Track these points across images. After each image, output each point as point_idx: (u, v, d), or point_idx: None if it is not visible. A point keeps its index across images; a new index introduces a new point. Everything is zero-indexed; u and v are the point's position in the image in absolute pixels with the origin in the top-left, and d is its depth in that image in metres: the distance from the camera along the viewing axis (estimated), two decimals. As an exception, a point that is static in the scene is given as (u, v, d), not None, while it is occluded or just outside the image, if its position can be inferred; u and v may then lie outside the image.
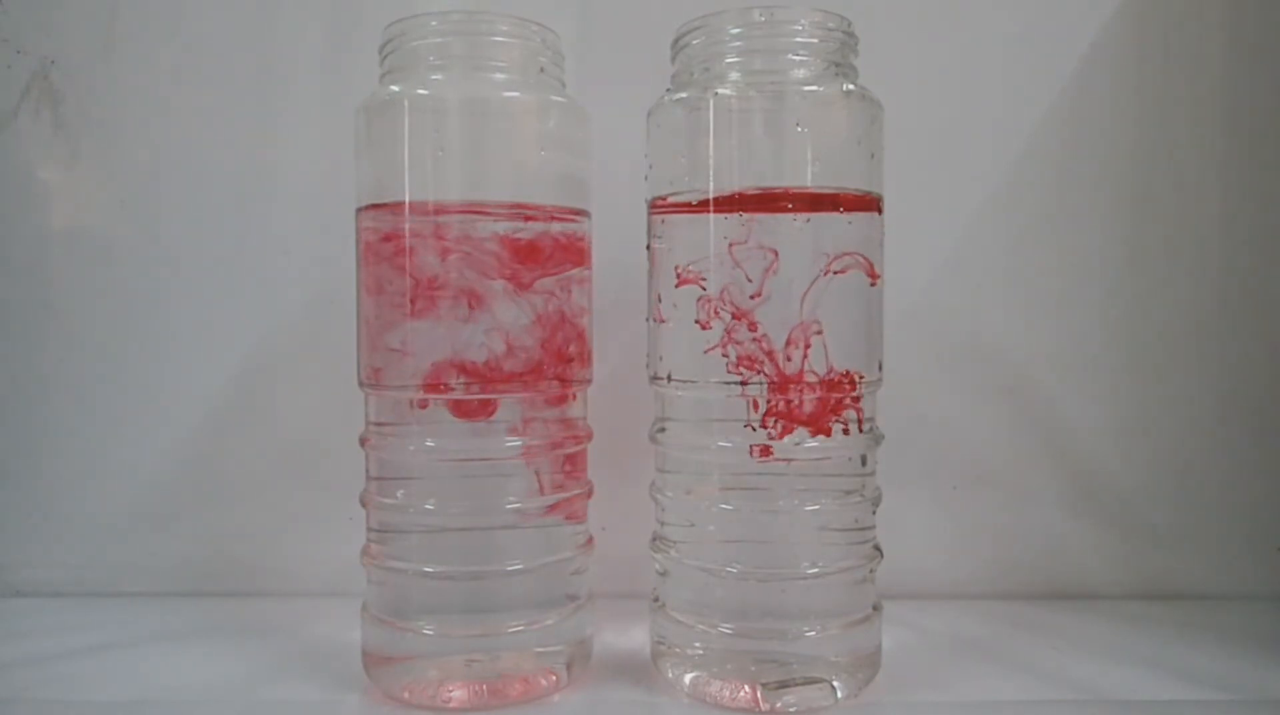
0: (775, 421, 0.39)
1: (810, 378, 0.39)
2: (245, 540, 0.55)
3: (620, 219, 0.47)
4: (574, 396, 0.43)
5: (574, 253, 0.42)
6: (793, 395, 0.39)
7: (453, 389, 0.39)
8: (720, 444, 0.40)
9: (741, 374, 0.39)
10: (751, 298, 0.39)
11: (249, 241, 0.55)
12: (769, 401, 0.39)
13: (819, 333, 0.39)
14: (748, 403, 0.39)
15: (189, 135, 0.55)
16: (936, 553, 0.55)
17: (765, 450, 0.39)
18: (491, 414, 0.40)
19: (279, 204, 0.55)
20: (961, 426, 0.55)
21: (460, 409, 0.40)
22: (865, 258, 0.40)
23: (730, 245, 0.39)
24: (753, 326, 0.39)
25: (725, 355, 0.39)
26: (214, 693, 0.42)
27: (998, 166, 0.55)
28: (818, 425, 0.39)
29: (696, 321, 0.40)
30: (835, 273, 0.39)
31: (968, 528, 0.55)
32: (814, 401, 0.39)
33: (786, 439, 0.39)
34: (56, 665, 0.45)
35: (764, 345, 0.39)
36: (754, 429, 0.39)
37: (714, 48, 0.40)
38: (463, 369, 0.39)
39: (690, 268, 0.40)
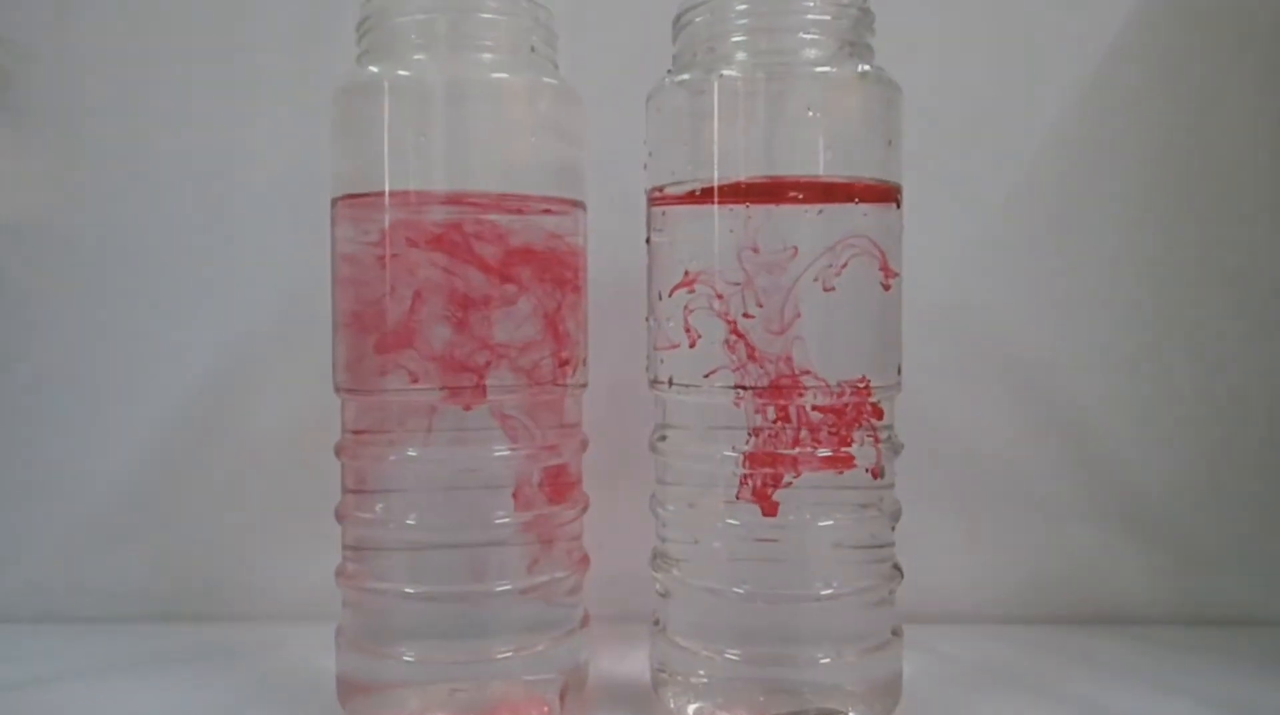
0: (783, 428, 0.40)
1: (815, 382, 0.39)
2: (209, 559, 0.55)
3: (617, 211, 0.47)
4: (568, 402, 0.43)
5: (567, 247, 0.42)
6: (803, 399, 0.39)
7: (437, 394, 0.40)
8: (725, 453, 0.40)
9: (748, 377, 0.39)
10: (759, 295, 0.39)
11: (215, 234, 0.55)
12: (777, 407, 0.39)
13: (831, 333, 0.39)
14: (754, 409, 0.40)
15: (151, 120, 0.55)
16: (961, 572, 0.56)
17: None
18: (478, 420, 0.41)
19: (248, 195, 0.55)
20: (987, 435, 0.55)
21: (446, 415, 0.40)
22: (881, 252, 0.40)
23: (736, 238, 0.39)
24: (760, 326, 0.39)
25: (732, 355, 0.40)
26: (176, 726, 0.42)
27: (1024, 154, 0.55)
28: (832, 434, 0.40)
29: (700, 321, 0.40)
30: (849, 268, 0.39)
31: (995, 545, 0.56)
32: (826, 407, 0.40)
33: (797, 449, 0.39)
34: (3, 698, 0.45)
35: (772, 347, 0.39)
36: (756, 437, 0.40)
37: (718, 26, 0.40)
38: (447, 372, 0.40)
39: (693, 262, 0.40)
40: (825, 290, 0.39)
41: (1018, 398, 0.56)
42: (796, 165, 0.39)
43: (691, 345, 0.40)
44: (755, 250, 0.39)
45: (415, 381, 0.40)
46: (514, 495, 0.41)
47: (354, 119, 0.41)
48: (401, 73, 0.40)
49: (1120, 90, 0.55)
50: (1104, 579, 0.56)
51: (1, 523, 0.56)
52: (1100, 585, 0.56)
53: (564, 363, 0.42)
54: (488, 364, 0.40)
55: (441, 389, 0.40)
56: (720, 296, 0.39)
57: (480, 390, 0.40)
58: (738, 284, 0.39)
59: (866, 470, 0.41)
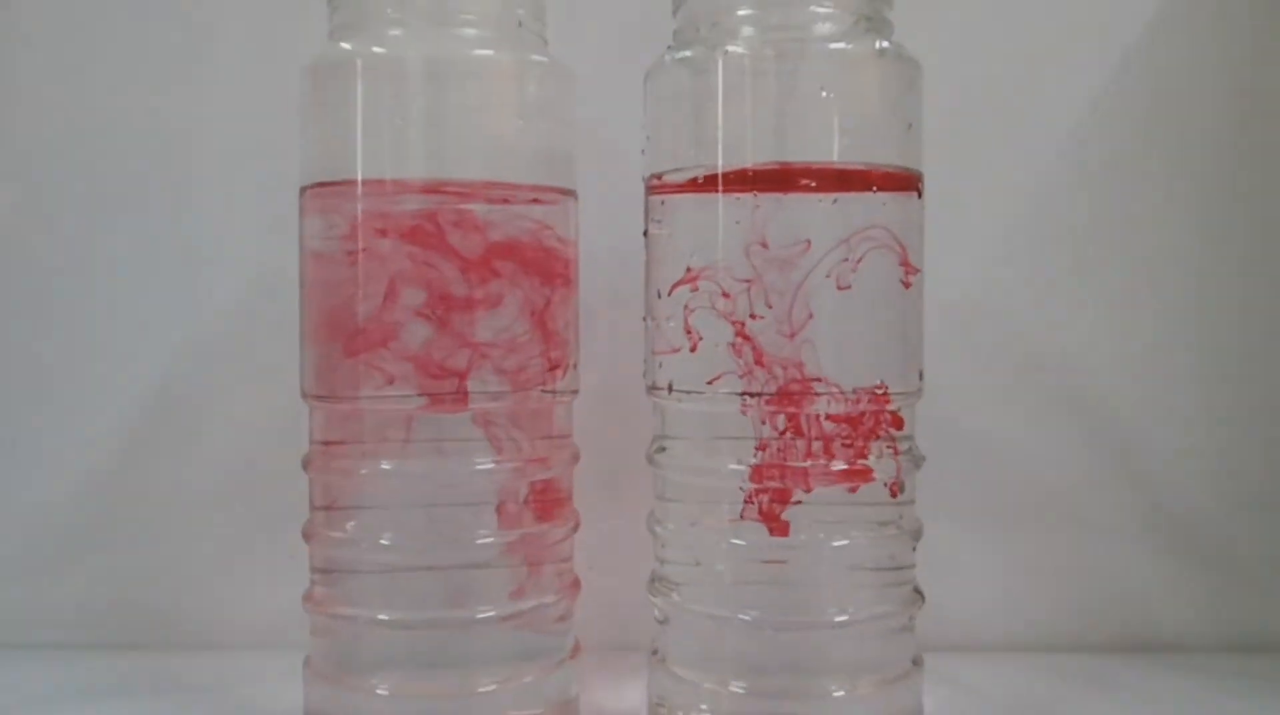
0: (793, 439, 0.40)
1: (829, 389, 0.39)
2: (163, 582, 0.55)
3: (612, 201, 0.47)
4: (557, 410, 0.43)
5: (557, 240, 0.42)
6: (815, 407, 0.39)
7: (415, 402, 0.40)
8: (730, 466, 0.40)
9: (755, 383, 0.39)
10: (768, 294, 0.39)
11: (169, 228, 0.55)
12: (787, 417, 0.39)
13: (846, 335, 0.39)
14: (762, 418, 0.40)
15: (97, 102, 0.55)
16: (989, 596, 0.56)
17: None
18: (459, 430, 0.41)
19: (206, 184, 0.55)
20: (1017, 447, 0.55)
21: (424, 424, 0.40)
22: (901, 246, 0.40)
23: (742, 230, 0.39)
24: (770, 327, 0.39)
25: (738, 360, 0.39)
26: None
27: (1059, 139, 0.55)
28: (847, 445, 0.40)
29: (702, 321, 0.40)
30: (866, 263, 0.39)
31: (1026, 567, 0.56)
32: (841, 416, 0.40)
33: (809, 462, 0.39)
34: (-62, 732, 0.45)
35: (782, 350, 0.39)
36: (765, 450, 0.40)
37: (723, -2, 0.40)
38: (425, 376, 0.40)
39: (695, 257, 0.40)
40: (840, 288, 0.39)
41: (1051, 406, 0.56)
42: (808, 150, 0.39)
43: (693, 349, 0.40)
44: (764, 245, 0.39)
45: (390, 385, 0.40)
46: (498, 513, 0.41)
47: (324, 100, 0.41)
48: (376, 50, 0.40)
49: (1167, 67, 0.55)
50: (1146, 603, 0.56)
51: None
52: (1142, 610, 0.56)
53: (553, 366, 0.42)
54: (469, 367, 0.40)
55: (419, 395, 0.40)
56: (727, 295, 0.39)
57: (461, 396, 0.40)
58: (745, 281, 0.39)
59: (885, 485, 0.41)
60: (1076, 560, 0.56)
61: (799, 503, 0.39)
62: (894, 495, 0.41)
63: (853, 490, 0.40)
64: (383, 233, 0.40)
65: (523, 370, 0.41)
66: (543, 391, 0.42)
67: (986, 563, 0.56)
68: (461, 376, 0.40)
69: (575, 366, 0.44)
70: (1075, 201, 0.56)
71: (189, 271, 0.55)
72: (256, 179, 0.54)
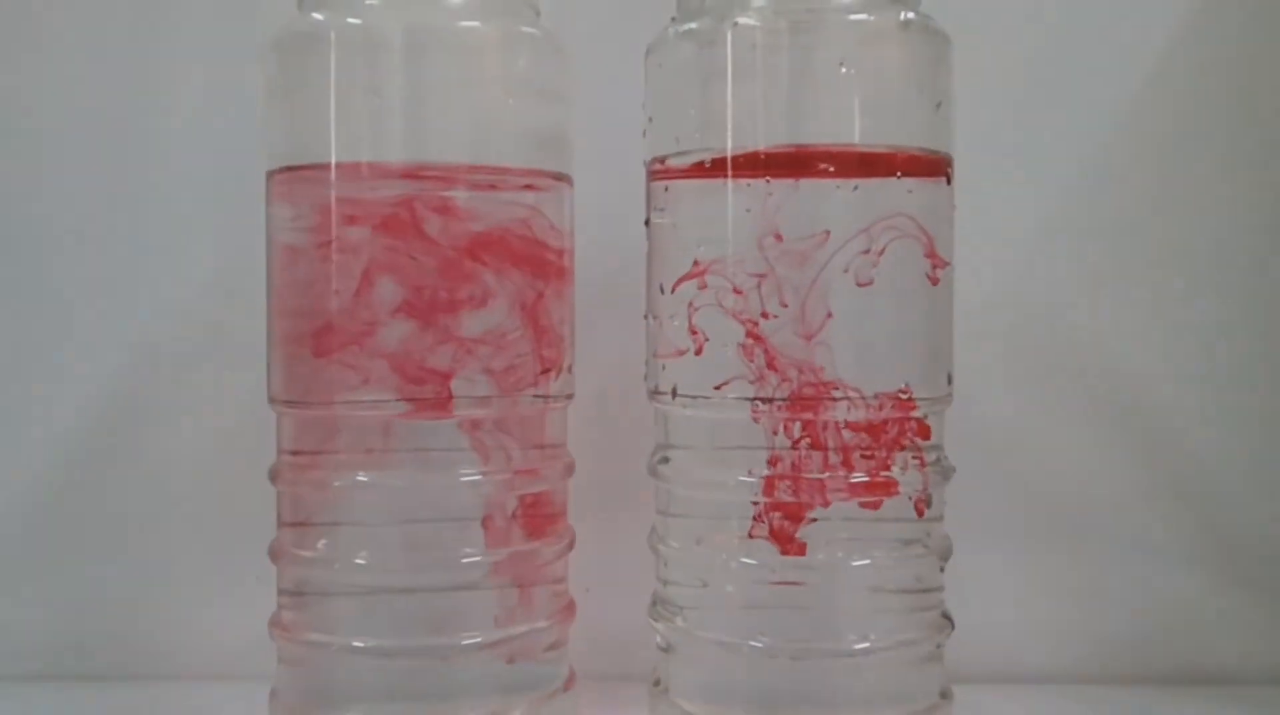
0: (809, 449, 0.39)
1: (848, 394, 0.39)
2: (117, 607, 0.55)
3: (610, 187, 0.47)
4: (550, 415, 0.43)
5: (551, 230, 0.42)
6: (833, 414, 0.39)
7: (393, 407, 0.40)
8: (740, 479, 0.40)
9: (767, 388, 0.39)
10: (782, 291, 0.39)
11: (122, 217, 0.55)
12: (803, 425, 0.39)
13: (867, 335, 0.39)
14: (775, 426, 0.40)
15: (42, 79, 0.55)
16: (1024, 622, 0.55)
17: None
18: (442, 437, 0.41)
19: (164, 169, 0.55)
20: (1057, 459, 0.55)
21: (403, 431, 0.40)
22: (928, 236, 0.40)
23: (754, 220, 0.39)
24: (785, 327, 0.39)
25: (749, 361, 0.39)
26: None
27: (1105, 119, 0.55)
28: (869, 456, 0.40)
29: (709, 320, 0.40)
30: (889, 255, 0.39)
31: (1066, 590, 0.55)
32: (862, 424, 0.39)
33: (827, 474, 0.39)
34: None
35: (798, 352, 0.39)
36: (776, 462, 0.40)
37: (732, -36, 0.40)
38: (405, 378, 0.40)
39: (702, 249, 0.40)
40: (859, 284, 0.39)
41: (1095, 414, 0.55)
42: (826, 132, 0.39)
43: (698, 351, 0.40)
44: (778, 236, 0.39)
45: (365, 389, 0.39)
46: (485, 529, 0.41)
47: (293, 77, 0.41)
48: (351, 20, 0.40)
49: (1226, 40, 0.55)
50: (1198, 631, 0.56)
51: None
52: (1193, 638, 0.56)
53: (546, 367, 0.42)
54: (454, 367, 0.40)
55: (398, 399, 0.40)
56: (738, 291, 0.39)
57: (445, 400, 0.40)
58: (757, 276, 0.39)
59: (910, 499, 0.40)
60: (1122, 584, 0.56)
61: (814, 521, 0.39)
62: (920, 511, 0.41)
63: (874, 506, 0.40)
64: (357, 221, 0.39)
65: (512, 371, 0.41)
66: (534, 396, 0.42)
67: (1022, 585, 0.56)
68: (445, 378, 0.40)
69: (570, 369, 0.44)
70: (1122, 188, 0.55)
71: (144, 265, 0.55)
72: (218, 163, 0.54)
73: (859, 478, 0.40)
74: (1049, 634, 0.56)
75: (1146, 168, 0.55)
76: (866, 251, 0.39)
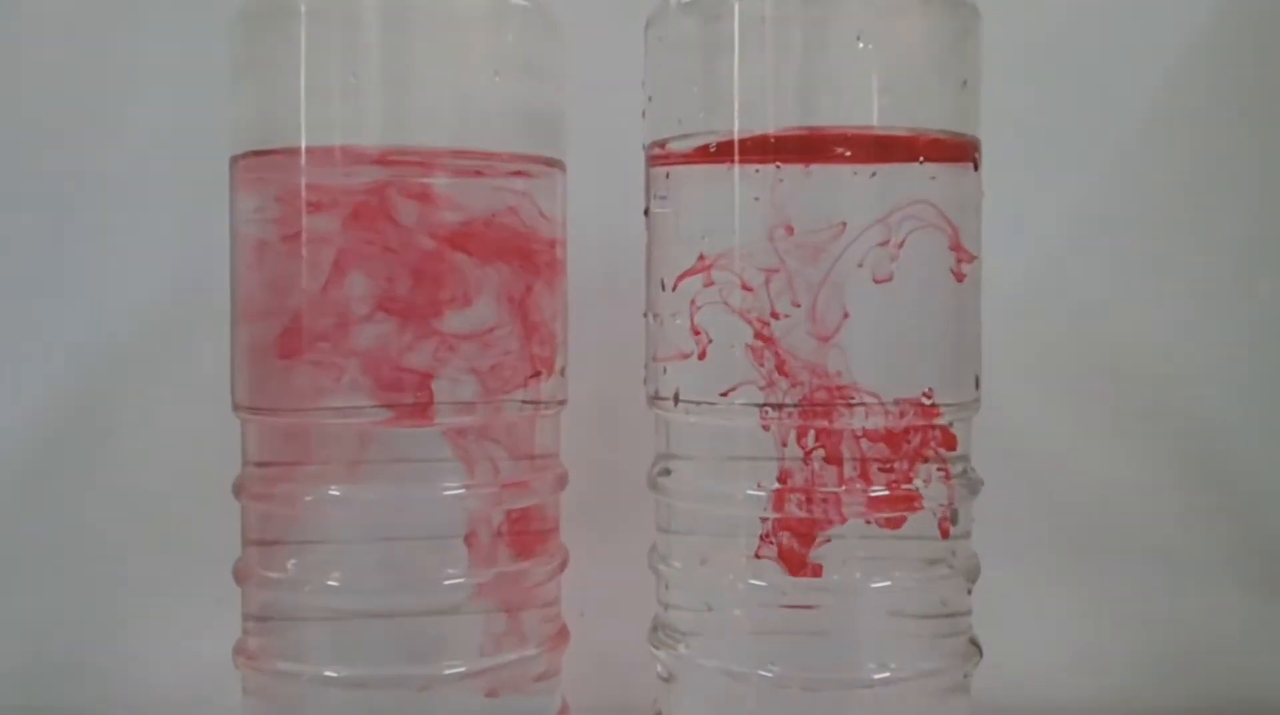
0: (824, 460, 0.39)
1: (866, 400, 0.39)
2: (69, 633, 0.55)
3: (608, 172, 0.47)
4: (541, 422, 0.43)
5: (542, 218, 0.42)
6: (850, 422, 0.39)
7: (369, 413, 0.40)
8: (749, 492, 0.40)
9: (778, 393, 0.39)
10: (794, 288, 0.39)
11: (79, 206, 0.55)
12: (817, 433, 0.39)
13: (886, 335, 0.39)
14: (786, 434, 0.40)
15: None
16: (1059, 649, 0.55)
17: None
18: (422, 447, 0.40)
19: (121, 153, 0.55)
20: (1093, 469, 0.55)
21: (380, 440, 0.40)
22: (953, 227, 0.40)
23: (763, 209, 0.39)
24: (798, 328, 0.39)
25: (759, 364, 0.39)
26: None
27: (1143, 101, 0.55)
28: (889, 468, 0.40)
29: (714, 319, 0.40)
30: (909, 247, 0.39)
31: (1103, 613, 0.56)
32: (881, 433, 0.39)
33: (843, 488, 0.39)
34: None
35: (811, 354, 0.39)
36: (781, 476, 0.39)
37: (739, -70, 0.40)
38: (381, 381, 0.39)
39: (708, 242, 0.40)
40: (877, 281, 0.39)
41: (1134, 420, 0.55)
42: (842, 113, 0.39)
43: (701, 355, 0.40)
44: (789, 229, 0.39)
45: (338, 394, 0.39)
46: (468, 547, 0.41)
47: (260, 53, 0.41)
48: (323, -10, 0.40)
49: (1269, 18, 0.55)
50: (1245, 656, 0.56)
51: None
52: (1240, 664, 0.56)
53: (537, 367, 0.42)
54: (435, 366, 0.40)
55: (374, 406, 0.40)
56: (748, 287, 0.39)
57: (425, 404, 0.40)
58: (768, 272, 0.39)
59: (934, 515, 0.40)
60: (1163, 605, 0.56)
61: (828, 541, 0.39)
62: (945, 528, 0.41)
63: (895, 523, 0.40)
64: (329, 210, 0.39)
65: (499, 368, 0.41)
66: (524, 401, 0.42)
67: (1055, 608, 0.56)
68: (425, 379, 0.40)
69: (563, 371, 0.44)
70: (1163, 176, 0.56)
71: (97, 260, 0.55)
72: (178, 147, 0.54)
73: (878, 491, 0.39)
74: (1085, 660, 0.56)
75: (1188, 154, 0.55)
76: (885, 243, 0.39)
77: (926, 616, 0.41)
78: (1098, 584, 0.56)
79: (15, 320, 0.55)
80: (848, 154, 0.39)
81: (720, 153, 0.40)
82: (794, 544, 0.39)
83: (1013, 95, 0.50)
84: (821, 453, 0.39)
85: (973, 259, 0.41)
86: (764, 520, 0.40)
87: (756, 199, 0.39)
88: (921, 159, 0.39)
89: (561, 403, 0.44)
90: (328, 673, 0.40)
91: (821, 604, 0.40)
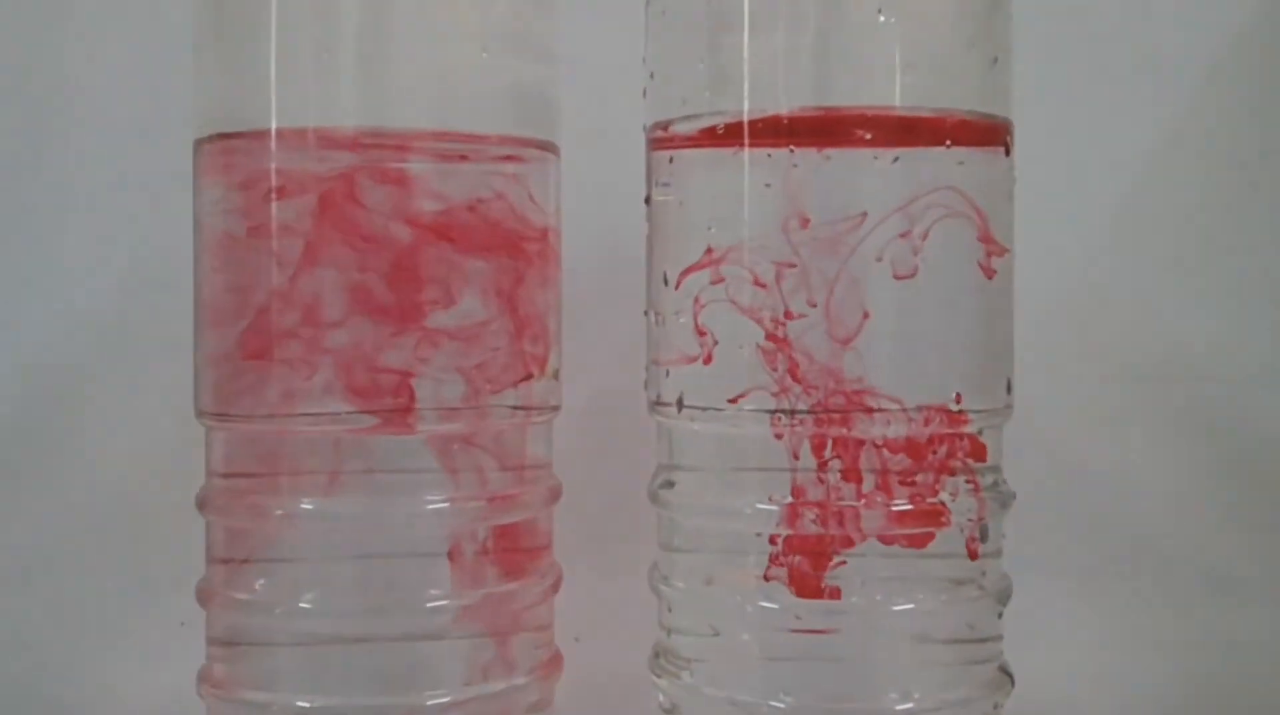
0: (841, 472, 0.39)
1: (888, 405, 0.39)
2: (19, 659, 0.55)
3: (605, 157, 0.47)
4: (533, 429, 0.43)
5: (532, 204, 0.42)
6: (870, 430, 0.39)
7: (345, 419, 0.39)
8: (759, 506, 0.40)
9: (790, 398, 0.39)
10: (810, 286, 0.39)
11: (24, 197, 0.55)
12: (834, 442, 0.39)
13: (909, 335, 0.39)
14: (798, 444, 0.39)
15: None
16: (1097, 675, 0.55)
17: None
18: (403, 456, 0.40)
19: (75, 137, 0.55)
20: (1136, 481, 0.55)
21: (357, 448, 0.40)
22: (982, 217, 0.40)
23: (775, 196, 0.39)
24: (815, 328, 0.39)
25: (771, 368, 0.39)
26: None
27: (1188, 86, 0.55)
28: (912, 480, 0.40)
29: (720, 318, 0.40)
30: (934, 239, 0.39)
31: (1145, 637, 0.55)
32: (904, 442, 0.39)
33: (862, 501, 0.39)
34: None
35: (828, 357, 0.39)
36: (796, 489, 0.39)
37: (749, -108, 0.40)
38: (361, 389, 0.39)
39: (716, 233, 0.40)
40: (897, 277, 0.39)
41: (1178, 430, 0.55)
42: (862, 92, 0.39)
43: (707, 360, 0.40)
44: (804, 220, 0.38)
45: (310, 396, 0.39)
46: (453, 566, 0.41)
47: (227, 27, 0.41)
48: (295, -41, 0.40)
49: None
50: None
51: None
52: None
53: (527, 367, 0.42)
54: (416, 363, 0.40)
55: (351, 412, 0.39)
56: (761, 283, 0.39)
57: (406, 405, 0.40)
58: (781, 266, 0.39)
59: (962, 532, 0.40)
60: (1212, 628, 0.56)
61: (843, 563, 0.39)
62: (973, 546, 0.41)
63: (920, 540, 0.40)
64: (302, 197, 0.39)
65: (486, 368, 0.41)
66: (514, 407, 0.42)
67: (1094, 632, 0.56)
68: (405, 378, 0.40)
69: (556, 374, 0.44)
70: (1210, 162, 0.56)
71: (47, 257, 0.55)
72: (136, 131, 0.54)
73: (901, 506, 0.39)
74: (1123, 690, 0.55)
75: (1238, 137, 0.55)
76: (905, 234, 0.39)
77: (953, 642, 0.41)
78: (1137, 605, 0.56)
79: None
80: (868, 137, 0.39)
81: (728, 135, 0.40)
82: (807, 565, 0.39)
83: (1047, 73, 0.50)
84: (838, 464, 0.39)
85: (1004, 252, 0.41)
86: (775, 537, 0.40)
87: (768, 186, 0.39)
88: (948, 142, 0.39)
89: (555, 408, 0.44)
90: (300, 703, 0.40)
91: (839, 628, 0.40)
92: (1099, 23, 0.55)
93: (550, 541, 0.44)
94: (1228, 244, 0.55)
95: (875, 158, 0.39)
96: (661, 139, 0.42)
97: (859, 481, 0.39)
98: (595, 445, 0.50)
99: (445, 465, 0.41)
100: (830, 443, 0.39)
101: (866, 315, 0.39)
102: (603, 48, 0.47)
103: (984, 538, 0.41)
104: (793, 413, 0.39)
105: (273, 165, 0.40)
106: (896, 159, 0.39)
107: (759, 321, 0.39)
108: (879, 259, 0.39)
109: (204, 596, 0.42)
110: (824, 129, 0.39)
